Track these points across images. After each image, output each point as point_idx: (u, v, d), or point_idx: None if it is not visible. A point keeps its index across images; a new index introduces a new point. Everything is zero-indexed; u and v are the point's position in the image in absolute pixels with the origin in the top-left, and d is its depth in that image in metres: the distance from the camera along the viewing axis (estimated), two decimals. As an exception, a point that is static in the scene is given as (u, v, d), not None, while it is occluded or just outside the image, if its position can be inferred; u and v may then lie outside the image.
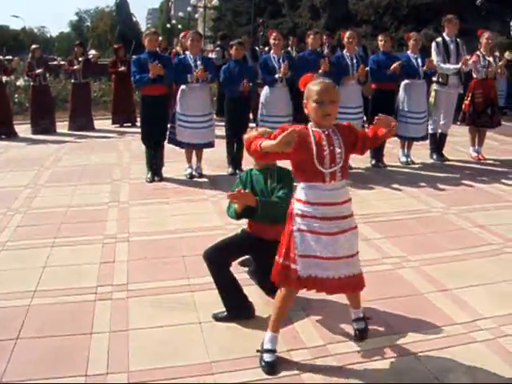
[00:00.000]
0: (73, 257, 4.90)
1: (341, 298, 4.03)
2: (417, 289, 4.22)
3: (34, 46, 12.07)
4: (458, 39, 8.49)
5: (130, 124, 12.49)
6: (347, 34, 7.90)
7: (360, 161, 7.85)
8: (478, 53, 8.61)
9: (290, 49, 12.78)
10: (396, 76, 7.88)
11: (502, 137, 10.66)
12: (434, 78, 8.55)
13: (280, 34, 8.02)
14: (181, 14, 61.16)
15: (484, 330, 3.62)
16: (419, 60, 8.11)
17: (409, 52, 8.32)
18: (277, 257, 3.29)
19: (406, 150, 8.59)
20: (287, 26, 23.97)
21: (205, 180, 7.53)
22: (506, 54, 14.01)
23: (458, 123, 9.27)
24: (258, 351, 3.31)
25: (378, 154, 8.26)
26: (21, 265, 4.74)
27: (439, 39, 8.53)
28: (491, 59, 8.61)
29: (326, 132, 3.15)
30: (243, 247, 4.00)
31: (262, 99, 7.74)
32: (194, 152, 7.74)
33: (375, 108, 7.57)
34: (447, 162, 8.64)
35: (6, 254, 5.01)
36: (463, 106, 8.87)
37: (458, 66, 8.14)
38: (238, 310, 3.79)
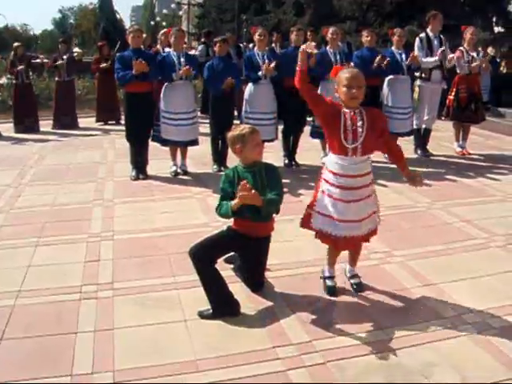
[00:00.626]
0: (57, 256, 4.85)
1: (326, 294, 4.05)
2: (402, 284, 4.23)
3: (16, 44, 11.97)
4: (442, 35, 8.53)
5: (114, 122, 12.43)
6: (330, 30, 7.90)
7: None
8: (461, 48, 8.63)
9: (273, 45, 12.75)
10: (380, 71, 7.89)
11: (487, 132, 10.73)
12: (417, 74, 8.59)
13: (265, 30, 8.01)
14: (165, 11, 61.05)
15: (469, 324, 3.64)
16: (403, 56, 8.13)
17: (393, 48, 8.34)
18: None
19: None
20: (272, 22, 23.89)
21: (190, 178, 7.50)
22: (489, 50, 14.13)
23: (443, 118, 9.33)
24: (321, 278, 4.14)
25: None
26: (5, 264, 4.70)
27: (423, 35, 8.57)
28: (475, 54, 8.65)
29: (352, 113, 3.73)
30: (230, 245, 4.00)
31: (245, 96, 7.72)
32: (178, 149, 7.71)
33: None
34: (432, 157, 8.68)
35: (-10, 254, 4.96)
36: (447, 101, 8.91)
37: (437, 57, 8.20)
38: (223, 307, 3.77)
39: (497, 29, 16.83)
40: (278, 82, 7.75)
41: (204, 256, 3.78)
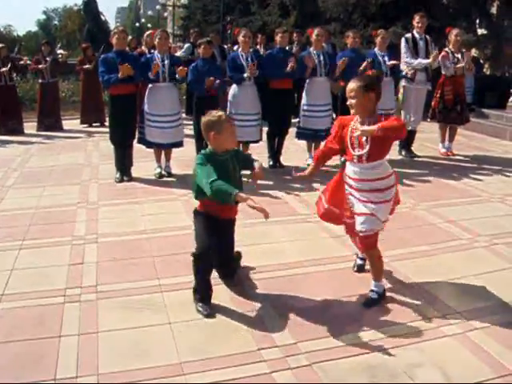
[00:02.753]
0: (41, 259, 4.81)
1: (313, 295, 4.06)
2: (386, 285, 4.23)
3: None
4: (427, 36, 8.57)
5: (98, 124, 12.37)
6: (315, 31, 7.91)
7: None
8: (447, 49, 8.69)
9: (258, 47, 12.75)
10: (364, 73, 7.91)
11: (470, 132, 10.81)
12: (403, 73, 8.58)
13: (249, 31, 8.00)
14: (150, 12, 61.01)
15: (453, 324, 3.66)
16: (386, 58, 8.16)
17: (376, 49, 8.37)
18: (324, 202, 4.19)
19: None
20: (257, 24, 23.89)
21: (174, 179, 7.48)
22: (473, 51, 14.23)
23: (428, 120, 9.37)
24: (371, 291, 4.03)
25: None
26: (-13, 268, 4.65)
27: (408, 35, 8.61)
28: (459, 56, 8.69)
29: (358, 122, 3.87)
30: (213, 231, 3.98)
31: (230, 97, 7.72)
32: (162, 151, 7.69)
33: (345, 105, 7.62)
34: (416, 159, 8.73)
35: (-28, 258, 4.91)
36: (433, 103, 8.96)
37: (429, 60, 8.24)
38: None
39: (480, 31, 16.94)
40: (263, 83, 7.77)
41: (210, 258, 3.85)
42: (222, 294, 3.98)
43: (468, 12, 15.44)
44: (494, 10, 17.11)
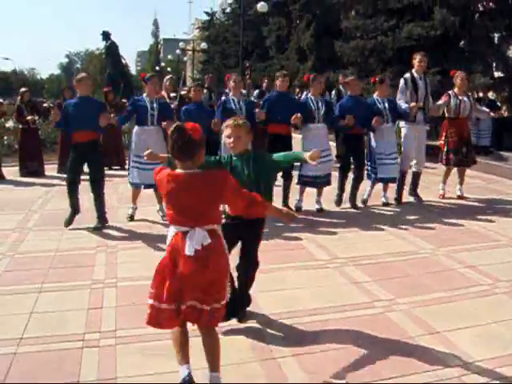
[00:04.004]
0: (60, 303, 4.83)
1: (333, 342, 4.01)
2: (406, 332, 4.19)
3: (22, 90, 12.16)
4: (427, 77, 8.57)
5: (118, 167, 12.51)
6: (311, 77, 8.05)
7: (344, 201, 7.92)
8: (449, 92, 8.67)
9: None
10: (362, 123, 7.95)
11: (488, 175, 10.77)
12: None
13: (238, 77, 8.19)
14: (170, 56, 61.90)
15: (476, 373, 3.59)
16: (386, 104, 8.10)
17: (375, 95, 8.32)
18: None
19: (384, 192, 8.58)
20: (275, 68, 24.22)
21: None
22: (490, 94, 14.26)
23: (439, 163, 9.25)
24: None
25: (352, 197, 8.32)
26: (7, 311, 4.67)
27: (407, 75, 8.50)
28: (465, 98, 8.63)
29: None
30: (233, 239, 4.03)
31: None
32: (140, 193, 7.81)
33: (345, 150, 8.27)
34: (431, 201, 8.67)
35: (-8, 300, 4.94)
36: (439, 145, 8.92)
37: (442, 101, 8.36)
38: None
39: (497, 74, 17.00)
40: (263, 128, 7.84)
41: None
42: (240, 340, 3.96)
43: (484, 55, 15.51)
44: (510, 53, 17.19)
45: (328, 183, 8.10)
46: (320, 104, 7.84)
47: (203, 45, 38.55)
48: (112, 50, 25.50)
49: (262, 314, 4.49)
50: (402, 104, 8.26)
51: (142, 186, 7.63)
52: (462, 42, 15.20)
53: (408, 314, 4.49)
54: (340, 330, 4.26)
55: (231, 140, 3.97)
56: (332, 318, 4.46)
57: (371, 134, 8.26)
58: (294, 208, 7.75)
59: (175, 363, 3.73)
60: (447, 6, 14.85)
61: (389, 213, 8.10)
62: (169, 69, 63.42)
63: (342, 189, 8.28)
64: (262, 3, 23.67)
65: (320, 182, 7.93)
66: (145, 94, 7.61)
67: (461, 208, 8.36)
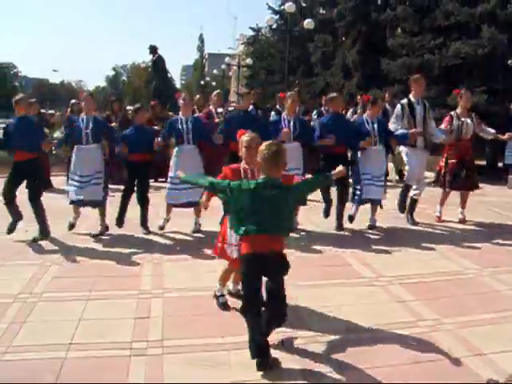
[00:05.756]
0: (107, 311, 4.94)
1: (382, 360, 4.01)
2: (451, 352, 4.15)
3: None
4: (425, 101, 8.27)
5: (164, 179, 12.65)
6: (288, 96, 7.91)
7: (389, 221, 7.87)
8: (452, 113, 8.39)
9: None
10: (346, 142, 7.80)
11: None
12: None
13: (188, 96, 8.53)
14: (215, 71, 62.43)
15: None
16: (375, 125, 7.80)
17: (364, 116, 8.09)
18: None
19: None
20: (320, 84, 24.21)
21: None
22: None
23: (433, 185, 9.07)
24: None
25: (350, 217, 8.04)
26: (56, 317, 4.80)
27: (404, 101, 8.22)
28: (468, 120, 8.29)
29: None
30: (259, 275, 3.98)
31: None
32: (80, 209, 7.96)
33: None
34: (474, 222, 8.56)
35: (42, 306, 5.08)
36: (438, 168, 8.67)
37: (409, 132, 7.92)
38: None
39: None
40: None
41: (258, 309, 3.90)
42: (286, 355, 3.99)
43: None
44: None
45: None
46: (293, 123, 7.70)
47: (248, 60, 38.79)
48: (159, 63, 25.89)
49: (307, 328, 4.52)
50: (399, 129, 7.99)
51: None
52: (510, 61, 14.99)
53: (453, 335, 4.46)
54: (385, 347, 4.26)
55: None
56: (378, 336, 4.45)
57: (358, 155, 7.98)
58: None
59: (221, 374, 3.80)
60: (495, 24, 14.73)
61: (435, 231, 8.05)
62: (214, 83, 64.11)
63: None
64: (309, 20, 23.80)
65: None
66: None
67: (491, 228, 8.24)
